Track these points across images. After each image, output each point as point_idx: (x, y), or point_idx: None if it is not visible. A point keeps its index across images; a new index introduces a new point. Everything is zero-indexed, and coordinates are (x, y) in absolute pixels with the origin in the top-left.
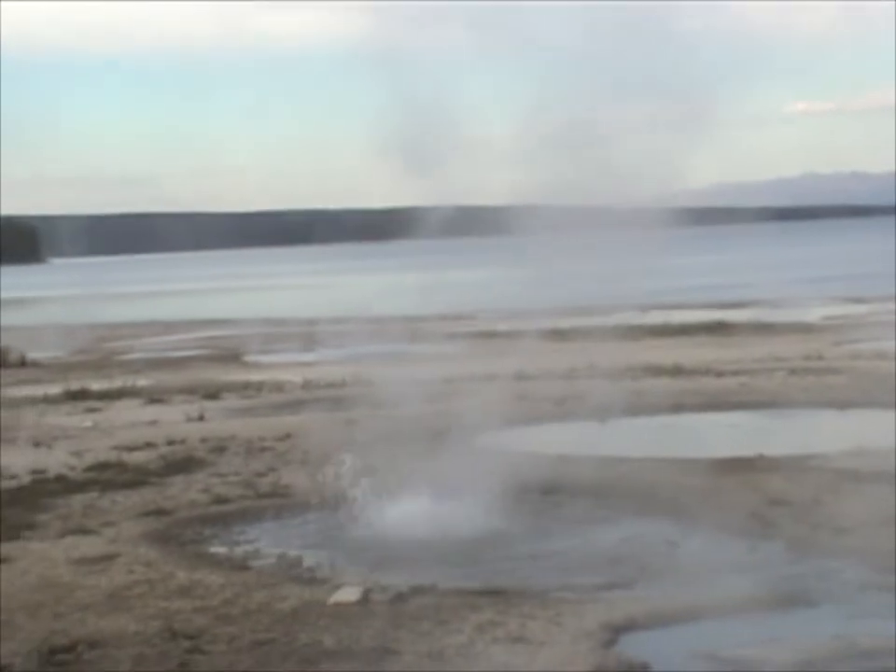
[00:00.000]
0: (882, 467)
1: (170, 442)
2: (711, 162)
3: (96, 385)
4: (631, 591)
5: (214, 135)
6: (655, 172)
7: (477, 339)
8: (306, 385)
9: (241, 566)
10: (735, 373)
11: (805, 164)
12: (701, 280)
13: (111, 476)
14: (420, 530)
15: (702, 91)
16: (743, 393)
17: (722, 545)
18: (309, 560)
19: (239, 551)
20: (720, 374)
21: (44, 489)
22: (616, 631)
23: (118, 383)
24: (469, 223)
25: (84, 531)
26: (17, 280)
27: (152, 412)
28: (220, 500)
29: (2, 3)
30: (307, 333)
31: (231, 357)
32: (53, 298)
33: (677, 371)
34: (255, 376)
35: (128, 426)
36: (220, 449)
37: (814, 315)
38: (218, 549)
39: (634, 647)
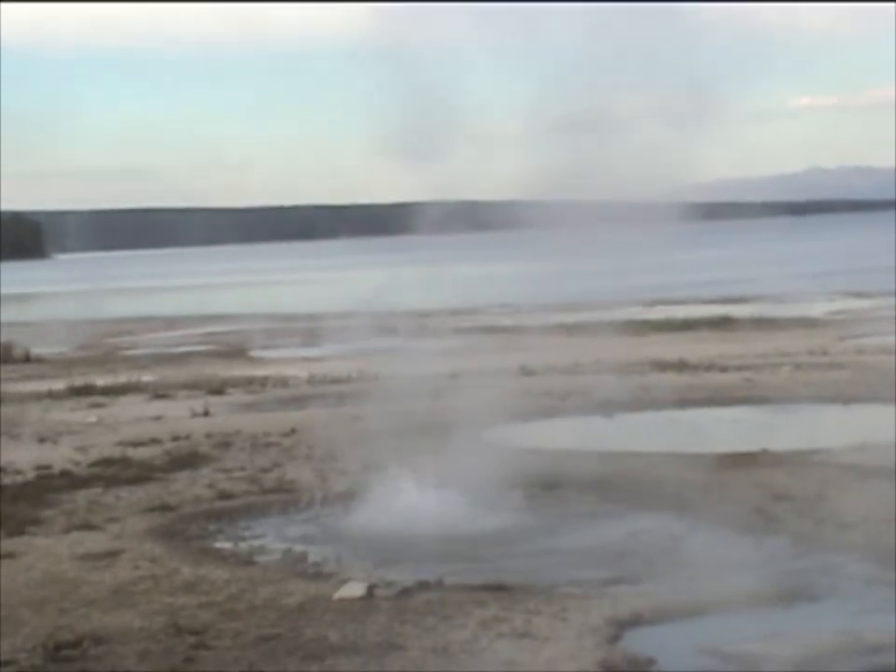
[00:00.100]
0: (886, 462)
1: (175, 438)
2: (716, 157)
3: (101, 381)
4: (636, 586)
5: (218, 130)
6: (660, 167)
7: (482, 334)
8: (311, 380)
9: (246, 561)
10: (740, 368)
11: (809, 159)
12: (706, 275)
13: (116, 472)
14: (425, 525)
15: (708, 87)
16: (747, 388)
17: (727, 540)
18: (314, 555)
19: (244, 546)
20: (724, 369)
21: (48, 485)
22: (621, 626)
23: (122, 378)
24: (475, 218)
25: (89, 527)
26: (21, 276)
27: (157, 407)
28: (225, 496)
29: None
30: (312, 328)
31: (236, 352)
32: (58, 293)
33: (681, 365)
34: (260, 371)
35: (132, 421)
36: (225, 444)
37: (818, 309)
38: (223, 544)
39: (639, 642)
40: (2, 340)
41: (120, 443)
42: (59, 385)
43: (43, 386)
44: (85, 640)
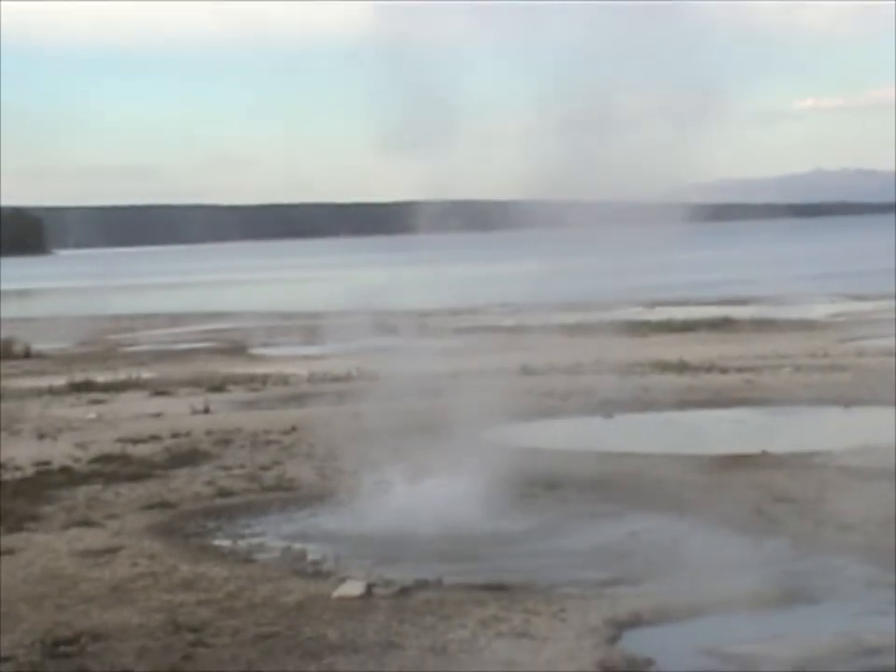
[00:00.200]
0: (886, 464)
1: (175, 435)
2: (719, 158)
3: (101, 377)
4: (635, 587)
5: (220, 128)
6: (662, 167)
7: (483, 333)
8: (312, 378)
9: (245, 559)
10: (740, 370)
11: (813, 161)
12: (707, 276)
13: (115, 468)
14: (425, 525)
15: (712, 87)
16: (747, 389)
17: (726, 541)
18: (313, 554)
19: (243, 544)
20: (724, 370)
21: (48, 481)
22: (620, 627)
23: (122, 375)
24: (476, 217)
25: (88, 523)
26: (22, 271)
27: (157, 404)
28: (225, 493)
29: None
30: (313, 326)
31: (237, 349)
32: (58, 289)
33: (682, 366)
34: (260, 369)
35: (132, 418)
36: (225, 442)
37: (819, 311)
38: (223, 542)
39: (638, 643)
40: (2, 335)
41: (120, 440)
42: (59, 381)
43: (43, 382)
44: (83, 637)
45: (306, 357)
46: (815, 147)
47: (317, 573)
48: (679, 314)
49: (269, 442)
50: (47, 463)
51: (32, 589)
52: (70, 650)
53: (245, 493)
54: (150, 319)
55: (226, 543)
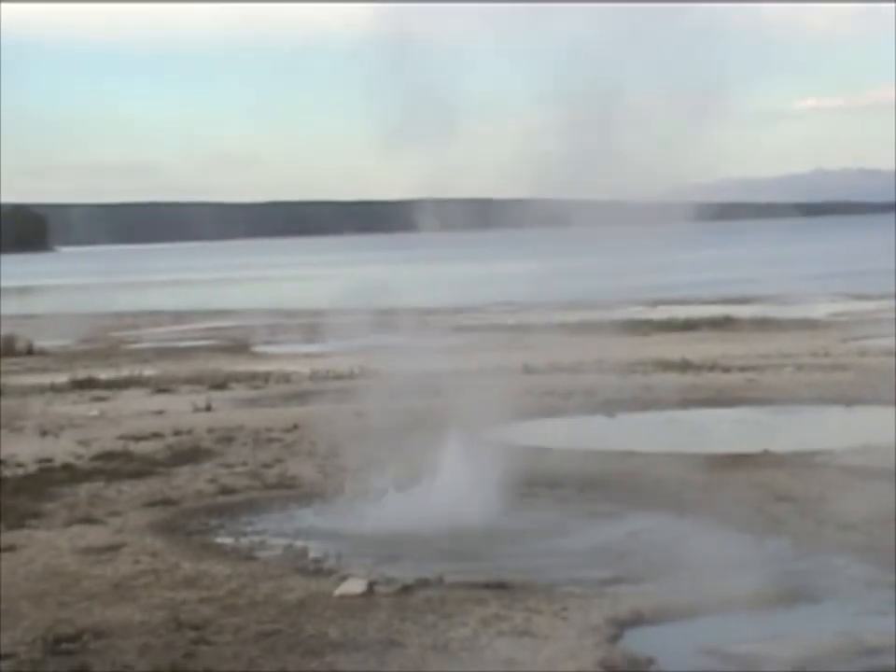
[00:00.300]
0: (888, 463)
1: (177, 432)
2: (721, 158)
3: (103, 375)
4: (637, 586)
5: (224, 126)
6: (664, 167)
7: (485, 332)
8: (314, 375)
9: (247, 556)
10: (742, 369)
11: (814, 160)
12: (709, 275)
13: (118, 465)
14: (426, 523)
15: (713, 87)
16: (749, 389)
17: (728, 541)
18: (315, 551)
19: (245, 541)
20: (726, 370)
21: (50, 478)
22: (621, 626)
23: (125, 372)
24: (479, 216)
25: (90, 520)
26: (24, 268)
27: (159, 401)
28: (227, 491)
29: None
30: (315, 324)
31: (239, 347)
32: (61, 286)
33: (684, 365)
34: (263, 367)
35: (135, 415)
36: (227, 439)
37: (821, 311)
38: (225, 539)
39: (639, 642)
40: (5, 332)
41: (122, 437)
42: (61, 378)
43: (45, 379)
44: (85, 634)
45: (308, 355)
46: (816, 147)
47: (319, 571)
48: (682, 313)
49: (271, 440)
50: (49, 460)
51: (33, 586)
52: (72, 647)
53: (247, 490)
54: (153, 317)
55: (228, 541)
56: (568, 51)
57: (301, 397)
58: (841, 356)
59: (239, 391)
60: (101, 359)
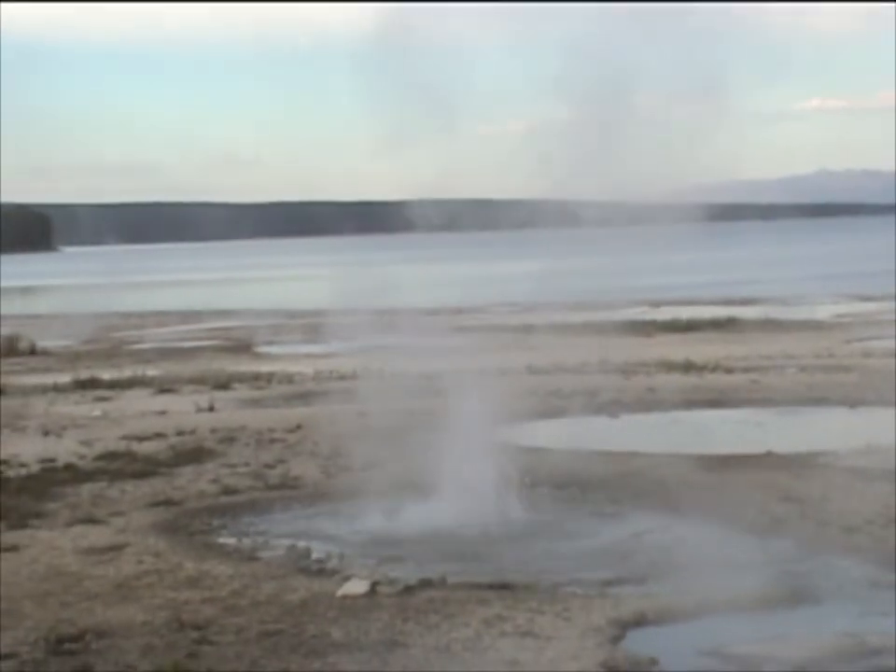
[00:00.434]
0: (891, 465)
1: (179, 433)
2: (725, 159)
3: (106, 375)
4: (639, 586)
5: (224, 126)
6: (667, 168)
7: (489, 332)
8: (317, 376)
9: (249, 557)
10: (746, 370)
11: (818, 161)
12: (712, 276)
13: (120, 466)
14: (429, 523)
15: (717, 88)
16: (753, 390)
17: (730, 541)
18: (318, 552)
19: (248, 542)
20: (730, 371)
21: (53, 478)
22: (624, 627)
23: (128, 372)
24: (482, 217)
25: (93, 521)
26: (28, 268)
27: (162, 401)
28: (230, 491)
29: None
30: (318, 324)
31: (242, 347)
32: (64, 286)
33: (687, 366)
34: (265, 367)
35: (138, 415)
36: (230, 440)
37: (824, 312)
38: (227, 540)
39: (642, 642)
40: (8, 332)
41: (125, 437)
42: (64, 378)
43: (48, 379)
44: (87, 634)
45: (311, 356)
46: (819, 148)
47: (321, 571)
48: (685, 313)
49: (273, 440)
50: (52, 460)
51: (36, 586)
52: (74, 647)
53: (250, 491)
54: (156, 317)
55: (230, 541)
56: (570, 51)
57: (303, 397)
58: (844, 357)
59: (242, 391)
60: (104, 359)
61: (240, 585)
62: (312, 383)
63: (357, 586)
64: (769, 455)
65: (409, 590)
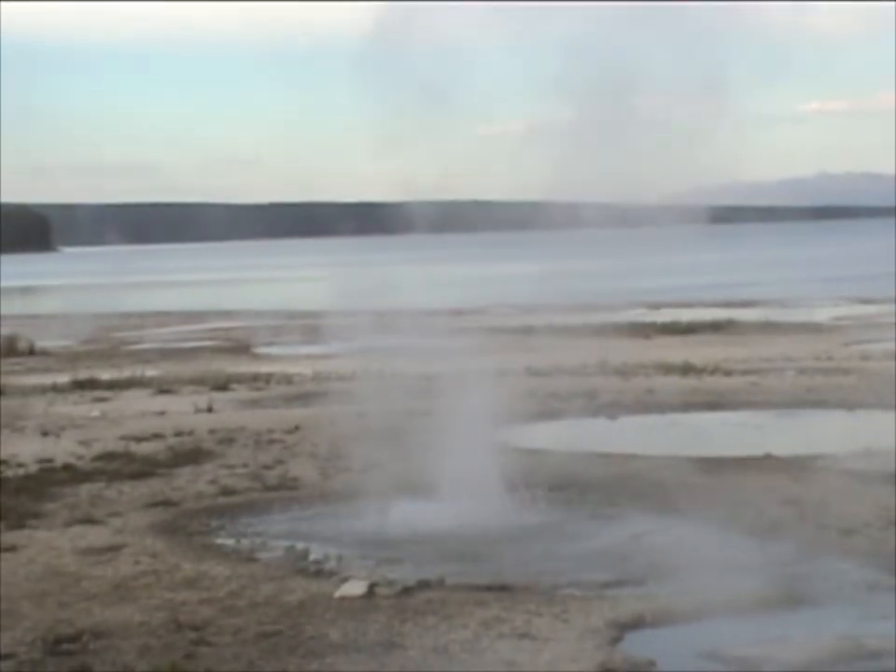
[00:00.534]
0: (890, 468)
1: (178, 433)
2: (725, 161)
3: (105, 375)
4: (638, 588)
5: (225, 127)
6: (668, 170)
7: (488, 334)
8: (316, 377)
9: (248, 558)
10: (745, 373)
11: (818, 164)
12: (711, 278)
13: (118, 466)
14: (428, 525)
15: (717, 90)
16: (752, 392)
17: (729, 544)
18: (316, 553)
19: (246, 543)
20: (729, 373)
21: (51, 478)
22: (622, 628)
23: (126, 373)
24: (482, 218)
25: (91, 521)
26: (27, 268)
27: (161, 402)
28: (228, 492)
29: None
30: (317, 325)
31: (241, 348)
32: (63, 286)
33: (686, 369)
34: (264, 368)
35: (136, 416)
36: (229, 441)
37: (823, 314)
38: (225, 541)
39: (640, 645)
40: (7, 332)
41: (124, 438)
42: (63, 378)
43: (47, 380)
44: (85, 634)
45: (310, 357)
46: (820, 150)
47: (319, 573)
48: (684, 316)
49: (272, 441)
50: (50, 460)
51: (34, 586)
52: (72, 647)
53: (248, 492)
54: (155, 317)
55: (228, 542)
56: (570, 51)
57: (302, 398)
58: (843, 359)
59: (241, 392)
60: (103, 360)
61: (238, 586)
62: (311, 384)
63: (355, 587)
64: (768, 457)
65: (407, 591)
